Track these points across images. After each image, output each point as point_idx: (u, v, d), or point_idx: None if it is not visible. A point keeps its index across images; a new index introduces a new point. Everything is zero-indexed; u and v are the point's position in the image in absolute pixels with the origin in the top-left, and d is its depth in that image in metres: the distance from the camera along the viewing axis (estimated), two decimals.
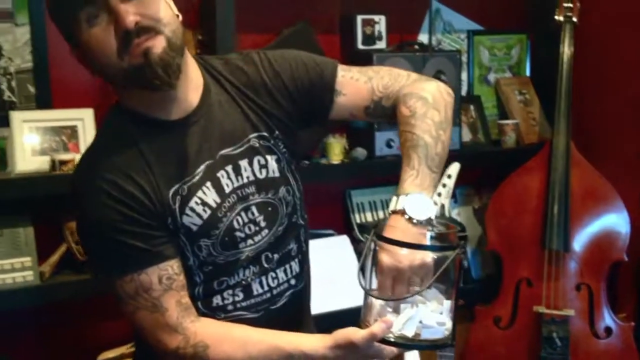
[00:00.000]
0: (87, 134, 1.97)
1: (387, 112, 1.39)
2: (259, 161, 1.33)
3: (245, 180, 1.32)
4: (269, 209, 1.34)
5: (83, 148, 1.95)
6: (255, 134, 1.34)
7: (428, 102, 1.32)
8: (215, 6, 2.02)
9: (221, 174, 1.30)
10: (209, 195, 1.28)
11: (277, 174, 1.35)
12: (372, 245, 1.20)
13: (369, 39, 2.36)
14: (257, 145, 1.34)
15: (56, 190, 1.81)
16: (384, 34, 2.37)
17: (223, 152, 1.31)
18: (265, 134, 1.35)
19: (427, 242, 1.19)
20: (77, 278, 1.92)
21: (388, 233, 1.18)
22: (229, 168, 1.30)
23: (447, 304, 1.19)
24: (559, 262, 2.34)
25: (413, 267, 1.16)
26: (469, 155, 2.48)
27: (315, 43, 2.25)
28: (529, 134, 2.65)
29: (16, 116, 1.91)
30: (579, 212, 2.37)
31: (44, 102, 2.00)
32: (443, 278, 1.18)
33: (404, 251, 1.15)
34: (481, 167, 2.68)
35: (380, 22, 2.37)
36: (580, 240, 2.36)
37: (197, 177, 1.27)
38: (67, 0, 1.15)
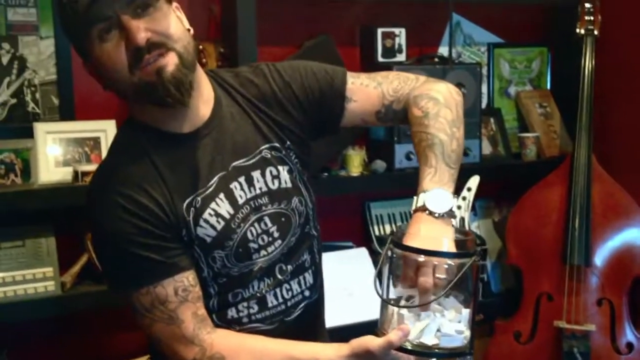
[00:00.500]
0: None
1: (398, 116, 1.40)
2: (271, 172, 1.34)
3: (258, 191, 1.33)
4: (282, 219, 1.35)
5: None
6: (266, 145, 1.35)
7: (439, 101, 1.33)
8: (237, 19, 2.03)
9: (234, 185, 1.31)
10: (223, 206, 1.29)
11: (289, 185, 1.36)
12: (389, 253, 1.20)
13: (389, 51, 2.37)
14: (269, 156, 1.35)
15: (78, 201, 1.80)
16: (404, 46, 2.38)
17: (235, 163, 1.32)
18: (276, 144, 1.36)
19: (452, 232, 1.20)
20: (98, 288, 1.94)
21: (409, 239, 1.17)
22: (242, 179, 1.31)
23: (466, 312, 1.19)
24: (580, 277, 2.32)
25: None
26: (489, 168, 2.47)
27: (337, 54, 2.26)
28: (549, 147, 2.63)
29: (40, 127, 1.93)
30: (601, 227, 2.34)
31: (67, 113, 2.03)
32: (461, 286, 1.18)
33: (422, 258, 1.15)
34: (501, 180, 2.66)
35: (401, 35, 2.37)
36: (601, 255, 2.34)
37: (210, 189, 1.28)
38: (79, 16, 1.16)
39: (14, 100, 1.98)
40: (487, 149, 2.57)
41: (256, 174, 1.33)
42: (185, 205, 1.26)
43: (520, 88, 2.74)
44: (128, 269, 1.25)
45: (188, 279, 1.26)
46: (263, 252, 1.33)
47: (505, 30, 2.71)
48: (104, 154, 1.97)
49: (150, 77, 1.18)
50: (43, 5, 1.99)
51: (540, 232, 2.39)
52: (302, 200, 1.38)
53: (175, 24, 1.23)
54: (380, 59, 2.35)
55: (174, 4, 1.27)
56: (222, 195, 1.29)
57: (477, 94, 2.43)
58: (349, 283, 2.27)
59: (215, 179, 1.29)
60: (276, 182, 1.35)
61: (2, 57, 1.96)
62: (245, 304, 1.33)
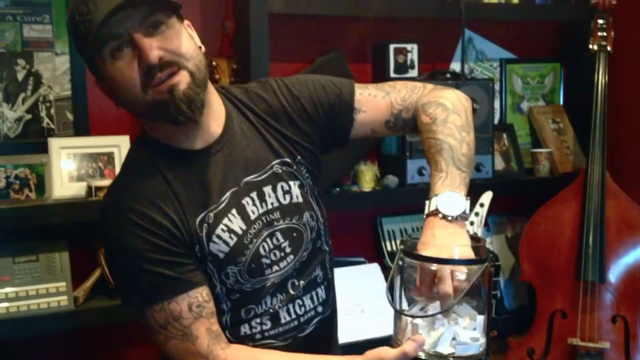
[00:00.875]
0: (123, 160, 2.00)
1: (408, 124, 1.41)
2: (282, 187, 1.35)
3: (270, 207, 1.33)
4: (294, 234, 1.35)
5: None
6: (277, 160, 1.35)
7: (447, 107, 1.33)
8: (250, 36, 2.05)
9: (246, 201, 1.31)
10: (235, 222, 1.29)
11: (300, 200, 1.36)
12: (400, 263, 1.20)
13: (401, 67, 2.37)
14: (280, 171, 1.35)
15: (92, 216, 1.82)
16: (416, 62, 2.38)
17: (247, 179, 1.32)
18: (287, 159, 1.36)
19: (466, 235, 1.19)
20: (110, 303, 1.94)
21: (423, 248, 1.16)
22: (254, 195, 1.32)
23: (480, 319, 1.18)
24: (594, 294, 2.30)
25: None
26: (502, 184, 2.46)
27: (348, 70, 2.27)
28: (563, 163, 2.62)
29: (54, 143, 1.95)
30: (615, 243, 2.33)
31: (81, 129, 2.05)
32: (474, 293, 1.17)
33: (434, 266, 1.14)
34: (514, 195, 2.65)
35: (413, 51, 2.38)
36: (615, 272, 2.32)
37: (222, 205, 1.28)
38: (91, 34, 1.17)
39: (29, 116, 2.00)
40: (499, 164, 2.56)
41: (267, 189, 1.33)
42: (198, 221, 1.26)
43: (532, 104, 2.73)
44: (142, 286, 1.24)
45: (202, 294, 1.26)
46: (275, 268, 1.33)
47: (517, 46, 2.71)
48: (118, 169, 2.00)
49: (162, 95, 1.19)
50: (58, 21, 2.01)
51: (554, 249, 2.38)
52: (313, 215, 1.38)
53: (187, 42, 1.23)
54: (392, 75, 2.36)
55: (186, 22, 1.28)
56: (234, 211, 1.29)
57: (490, 109, 2.43)
58: (361, 299, 2.26)
59: (227, 194, 1.30)
60: (287, 197, 1.35)
61: (17, 73, 1.98)
62: (258, 320, 1.33)
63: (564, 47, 2.77)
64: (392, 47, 2.35)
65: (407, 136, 2.25)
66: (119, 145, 2.02)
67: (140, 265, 1.22)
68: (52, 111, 2.02)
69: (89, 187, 1.91)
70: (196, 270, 1.26)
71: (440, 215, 1.18)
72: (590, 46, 2.43)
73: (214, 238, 1.27)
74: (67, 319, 1.90)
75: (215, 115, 1.32)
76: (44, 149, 1.95)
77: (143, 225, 1.22)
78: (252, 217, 1.31)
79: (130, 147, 1.39)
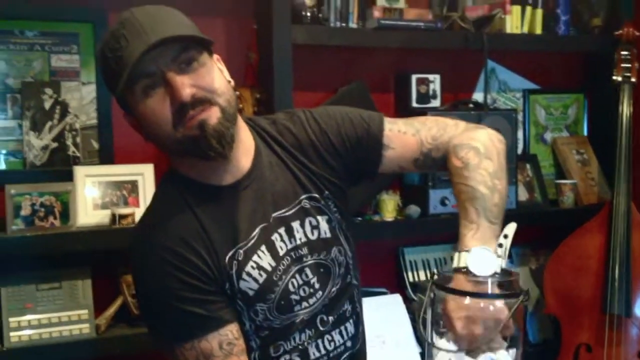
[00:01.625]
0: (147, 188, 2.02)
1: (437, 163, 1.38)
2: (310, 222, 1.33)
3: (299, 242, 1.31)
4: (322, 270, 1.33)
5: (143, 202, 2.00)
6: (305, 195, 1.33)
7: (480, 152, 1.30)
8: (274, 66, 2.06)
9: (275, 237, 1.29)
10: (264, 259, 1.27)
11: (328, 235, 1.34)
12: (432, 295, 1.18)
13: (424, 97, 2.38)
14: (308, 206, 1.33)
15: (115, 244, 1.84)
16: (438, 92, 2.39)
17: (276, 214, 1.30)
18: (315, 194, 1.34)
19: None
20: (132, 332, 1.94)
21: (453, 310, 1.14)
22: (282, 230, 1.30)
23: (513, 352, 1.16)
24: (620, 328, 2.26)
25: (488, 323, 1.12)
26: (526, 215, 2.44)
27: (370, 100, 2.28)
28: (587, 194, 2.60)
29: (79, 171, 1.97)
30: None
31: (106, 157, 2.07)
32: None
33: (467, 300, 1.12)
34: (538, 226, 2.63)
35: (435, 81, 2.39)
36: None
37: (252, 241, 1.27)
38: (124, 71, 1.15)
39: (55, 144, 2.03)
40: (523, 195, 2.54)
41: (296, 225, 1.31)
42: (228, 258, 1.24)
43: (556, 134, 2.72)
44: (172, 324, 1.23)
45: (232, 332, 1.23)
46: (305, 304, 1.31)
47: (540, 77, 2.71)
48: (142, 197, 2.01)
49: (192, 131, 1.18)
50: (85, 51, 2.05)
51: (579, 281, 2.35)
52: (341, 250, 1.36)
53: (219, 78, 1.22)
54: (414, 105, 2.36)
55: (215, 56, 1.27)
56: (263, 248, 1.27)
57: (513, 139, 2.42)
58: (382, 330, 2.24)
59: (257, 230, 1.28)
60: (315, 232, 1.33)
61: (44, 102, 2.01)
62: (287, 356, 1.30)
63: (588, 78, 2.76)
64: (414, 77, 2.36)
65: None
66: (143, 174, 2.04)
67: (172, 304, 1.20)
68: (78, 139, 2.05)
69: (113, 215, 1.93)
70: (227, 307, 1.24)
71: (471, 275, 1.14)
72: (614, 77, 2.42)
73: (244, 275, 1.25)
74: (88, 347, 1.90)
75: (245, 150, 1.30)
76: (69, 177, 1.97)
77: (175, 263, 1.20)
78: (281, 253, 1.29)
79: (159, 184, 1.37)
